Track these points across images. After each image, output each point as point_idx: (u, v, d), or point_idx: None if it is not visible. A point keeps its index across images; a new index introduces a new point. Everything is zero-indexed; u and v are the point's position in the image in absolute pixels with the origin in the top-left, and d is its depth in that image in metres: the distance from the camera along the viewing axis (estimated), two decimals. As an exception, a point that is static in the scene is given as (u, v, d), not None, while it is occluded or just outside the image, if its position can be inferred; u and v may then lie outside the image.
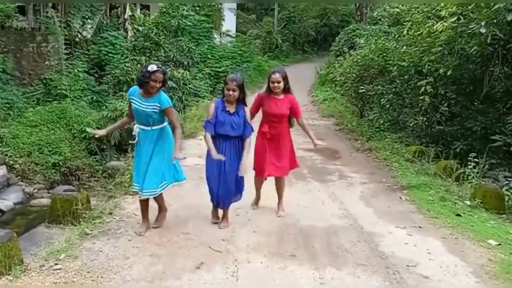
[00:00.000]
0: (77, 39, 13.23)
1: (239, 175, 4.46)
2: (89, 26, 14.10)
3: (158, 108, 4.14)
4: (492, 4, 6.24)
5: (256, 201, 5.19)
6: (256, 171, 4.92)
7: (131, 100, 4.27)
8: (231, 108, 4.39)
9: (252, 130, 4.55)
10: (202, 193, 4.85)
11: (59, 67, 11.55)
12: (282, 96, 4.76)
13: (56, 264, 3.65)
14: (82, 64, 11.92)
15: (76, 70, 11.51)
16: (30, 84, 11.49)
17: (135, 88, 4.29)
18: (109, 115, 9.41)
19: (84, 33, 13.92)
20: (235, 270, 3.71)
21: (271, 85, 4.71)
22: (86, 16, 13.70)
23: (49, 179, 8.60)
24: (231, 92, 4.31)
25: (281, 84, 4.69)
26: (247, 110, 4.50)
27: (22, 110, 10.10)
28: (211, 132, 4.38)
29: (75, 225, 4.45)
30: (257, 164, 4.87)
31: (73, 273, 3.53)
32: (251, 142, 4.53)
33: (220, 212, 4.71)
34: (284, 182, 5.09)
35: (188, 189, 5.33)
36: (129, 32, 14.79)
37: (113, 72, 12.11)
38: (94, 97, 11.49)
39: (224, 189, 4.47)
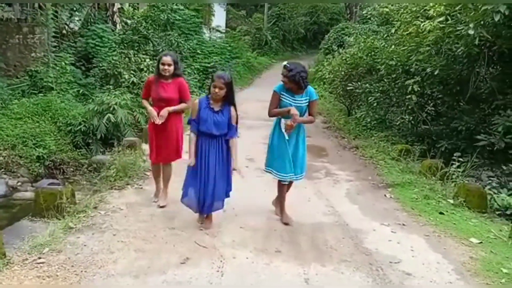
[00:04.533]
0: (64, 31, 13.05)
1: (224, 175, 4.30)
2: (76, 18, 13.91)
3: (308, 100, 4.54)
4: (479, 5, 6.31)
5: (156, 193, 5.17)
6: (150, 158, 5.12)
7: (281, 97, 4.52)
8: (216, 106, 4.19)
9: (237, 131, 4.33)
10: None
11: (46, 59, 11.39)
12: (170, 80, 4.75)
13: (39, 257, 3.62)
14: (69, 56, 11.77)
15: (63, 63, 11.36)
16: (15, 76, 11.30)
17: (280, 85, 4.59)
18: (95, 109, 9.32)
19: (72, 25, 13.73)
20: (220, 266, 3.72)
21: (160, 67, 4.70)
22: (74, 8, 13.52)
23: (33, 172, 8.49)
24: (217, 90, 4.11)
25: (171, 68, 4.70)
26: (234, 111, 4.25)
27: (7, 102, 9.93)
28: (195, 130, 4.24)
29: (59, 219, 4.40)
30: (150, 150, 5.05)
31: (56, 267, 3.51)
32: (237, 143, 4.35)
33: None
34: (170, 170, 5.04)
35: (174, 185, 5.31)
36: (117, 25, 14.65)
37: (101, 65, 12.00)
38: (81, 90, 11.36)
39: (206, 191, 4.23)
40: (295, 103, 4.49)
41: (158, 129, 4.77)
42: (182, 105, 4.84)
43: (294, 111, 4.41)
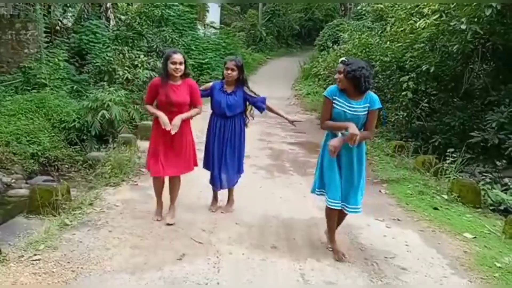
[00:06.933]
0: (57, 27, 12.94)
1: (236, 152, 4.61)
2: (70, 14, 13.80)
3: (368, 109, 3.65)
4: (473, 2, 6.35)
5: (158, 210, 4.55)
6: (149, 169, 4.37)
7: (334, 102, 3.67)
8: (229, 89, 4.51)
9: (263, 99, 4.58)
10: (185, 184, 4.82)
11: (39, 55, 11.30)
12: (180, 82, 4.22)
13: (35, 254, 3.60)
14: (62, 52, 11.68)
15: (56, 59, 11.27)
16: (8, 72, 11.20)
17: (332, 88, 3.75)
18: (89, 105, 9.27)
19: (65, 21, 13.61)
20: (216, 262, 3.73)
21: (170, 66, 4.10)
22: (67, 4, 13.40)
23: (27, 169, 8.43)
24: (229, 72, 4.42)
25: (182, 67, 4.15)
26: (247, 89, 4.55)
27: (0, 99, 9.86)
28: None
29: (55, 216, 4.39)
30: (151, 161, 4.30)
31: (52, 263, 3.50)
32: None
33: (220, 200, 4.92)
34: (179, 183, 4.50)
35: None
36: (111, 21, 14.53)
37: (95, 61, 11.92)
38: (75, 87, 11.28)
39: (226, 168, 4.62)
40: (350, 110, 3.62)
41: (165, 138, 4.18)
42: (194, 111, 4.29)
43: (353, 129, 3.52)
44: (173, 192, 4.50)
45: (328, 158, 3.76)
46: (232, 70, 4.42)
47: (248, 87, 4.59)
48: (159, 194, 4.54)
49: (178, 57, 4.12)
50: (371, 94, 3.69)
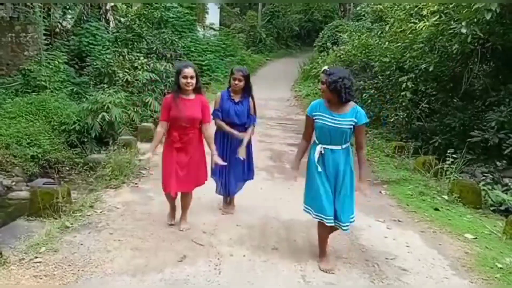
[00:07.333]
0: (57, 30, 12.96)
1: (244, 161, 4.70)
2: (69, 16, 13.82)
3: (354, 123, 3.54)
4: (472, 4, 6.35)
5: (171, 214, 4.55)
6: (162, 185, 4.26)
7: (316, 118, 3.59)
8: (236, 98, 4.64)
9: (255, 120, 4.75)
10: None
11: (39, 58, 11.32)
12: (192, 96, 4.16)
13: (36, 257, 3.61)
14: (62, 55, 11.69)
15: (56, 61, 11.29)
16: (8, 75, 11.21)
17: (314, 104, 3.66)
18: (89, 108, 9.28)
19: (65, 23, 13.64)
20: (217, 263, 3.73)
21: (182, 80, 4.06)
22: (67, 6, 13.43)
23: (27, 171, 8.44)
24: (237, 82, 4.55)
25: (194, 81, 4.09)
26: (252, 101, 4.69)
27: (0, 102, 9.87)
28: (219, 118, 4.65)
29: (56, 218, 4.39)
30: (164, 177, 4.22)
31: (53, 266, 3.50)
32: (253, 131, 4.81)
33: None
34: (191, 198, 4.44)
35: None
36: (111, 23, 14.57)
37: (94, 63, 11.93)
38: (74, 89, 11.30)
39: (230, 177, 4.72)
40: (333, 123, 3.51)
41: (178, 154, 4.14)
42: (211, 142, 4.29)
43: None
44: (185, 206, 4.45)
45: (314, 173, 3.66)
46: (240, 80, 4.55)
47: (253, 99, 4.70)
48: (172, 204, 4.49)
49: (189, 71, 4.06)
50: (358, 108, 3.57)
